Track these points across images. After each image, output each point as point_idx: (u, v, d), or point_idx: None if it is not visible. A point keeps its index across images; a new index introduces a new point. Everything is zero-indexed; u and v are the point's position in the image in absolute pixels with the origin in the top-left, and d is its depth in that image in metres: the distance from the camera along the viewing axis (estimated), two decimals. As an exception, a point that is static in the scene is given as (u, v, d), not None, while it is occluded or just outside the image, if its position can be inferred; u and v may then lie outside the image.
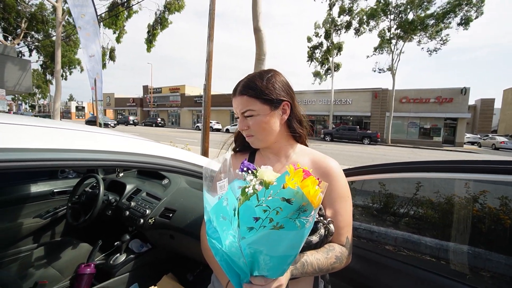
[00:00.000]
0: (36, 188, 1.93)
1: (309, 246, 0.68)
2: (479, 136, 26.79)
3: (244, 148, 0.90)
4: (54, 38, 13.51)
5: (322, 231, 0.69)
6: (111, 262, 1.56)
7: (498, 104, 35.12)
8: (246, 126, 0.78)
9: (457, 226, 1.04)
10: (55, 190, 2.00)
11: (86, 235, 1.95)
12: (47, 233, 1.94)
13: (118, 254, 1.61)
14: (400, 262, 0.98)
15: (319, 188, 0.51)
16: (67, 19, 14.12)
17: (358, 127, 21.91)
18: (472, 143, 25.98)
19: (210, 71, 5.88)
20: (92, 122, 21.32)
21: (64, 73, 20.00)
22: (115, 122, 29.11)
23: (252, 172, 0.58)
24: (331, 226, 0.71)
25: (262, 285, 0.56)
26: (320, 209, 0.74)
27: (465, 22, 17.73)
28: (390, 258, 1.02)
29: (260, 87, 0.76)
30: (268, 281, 0.56)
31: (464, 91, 20.82)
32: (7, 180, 1.87)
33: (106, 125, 21.72)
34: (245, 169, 0.59)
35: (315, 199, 0.49)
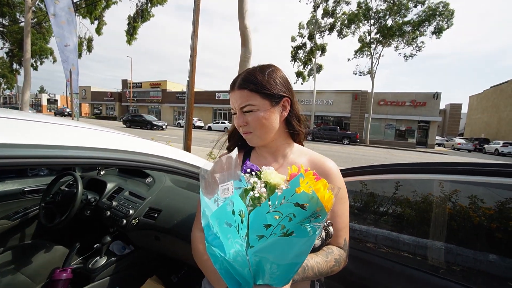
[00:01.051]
0: (3, 187, 1.76)
1: (312, 251, 0.66)
2: (445, 138, 29.66)
3: (238, 147, 0.86)
4: (22, 24, 12.47)
5: (323, 234, 0.68)
6: (90, 265, 1.46)
7: (465, 109, 37.91)
8: (244, 122, 0.73)
9: (432, 223, 1.09)
10: (25, 189, 1.83)
11: (62, 237, 1.81)
12: (15, 235, 1.78)
13: (98, 257, 1.50)
14: (382, 259, 1.01)
15: (330, 192, 0.49)
16: (38, 4, 13.10)
17: (338, 127, 22.58)
18: (439, 145, 28.68)
19: (194, 67, 5.74)
20: (61, 114, 19.74)
21: (34, 63, 18.55)
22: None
23: (256, 174, 0.55)
24: (331, 229, 0.71)
25: None
26: None
27: (438, 31, 18.96)
28: (373, 255, 1.05)
29: (261, 81, 0.72)
30: None
31: (436, 96, 22.17)
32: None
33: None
34: (248, 170, 0.55)
35: (328, 204, 0.47)
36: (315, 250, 0.68)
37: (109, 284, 1.46)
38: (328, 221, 0.72)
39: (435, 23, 18.87)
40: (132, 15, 13.11)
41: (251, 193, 0.50)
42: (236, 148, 0.65)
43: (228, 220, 0.49)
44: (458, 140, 27.23)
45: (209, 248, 0.53)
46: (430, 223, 1.15)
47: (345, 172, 1.13)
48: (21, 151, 0.60)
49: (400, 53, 21.49)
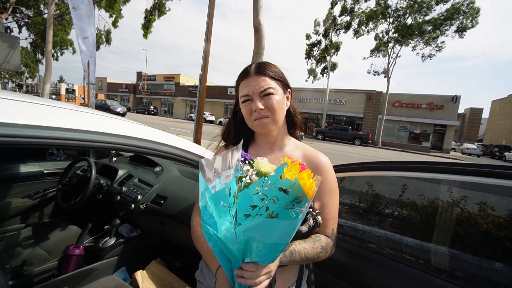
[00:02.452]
0: (26, 168, 1.91)
1: (298, 236, 0.71)
2: (458, 143, 29.04)
3: (237, 142, 0.90)
4: (46, 16, 12.96)
5: (310, 222, 0.73)
6: (100, 245, 1.58)
7: (486, 114, 36.26)
8: (263, 106, 0.75)
9: (436, 225, 1.11)
10: (44, 171, 1.98)
11: (75, 218, 1.95)
12: (35, 213, 1.93)
13: (108, 238, 1.62)
14: (382, 257, 1.04)
15: (314, 181, 0.54)
16: (61, -4, 13.58)
17: (350, 127, 22.19)
18: (453, 149, 28.05)
19: (207, 62, 5.82)
20: (101, 107, 20.05)
21: (55, 53, 19.28)
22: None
23: (249, 163, 0.61)
24: (319, 218, 0.75)
25: (253, 271, 0.59)
26: None
27: (462, 30, 18.07)
28: (373, 252, 1.08)
29: (276, 70, 0.79)
30: (259, 267, 0.59)
31: (455, 99, 21.34)
32: (-5, 159, 1.84)
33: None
34: (242, 159, 0.61)
35: (310, 191, 0.52)
36: (303, 236, 0.73)
37: (117, 263, 1.57)
38: (317, 211, 0.76)
39: (458, 22, 18.02)
40: (148, 9, 13.37)
41: (244, 179, 0.56)
42: (242, 141, 0.70)
43: (224, 201, 0.56)
44: (466, 145, 26.89)
45: (204, 227, 0.60)
46: (417, 220, 1.18)
47: (338, 168, 1.17)
48: (47, 133, 0.67)
49: (418, 53, 20.69)
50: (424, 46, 19.80)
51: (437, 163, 0.93)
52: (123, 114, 22.22)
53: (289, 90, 0.83)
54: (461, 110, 30.48)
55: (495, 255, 0.95)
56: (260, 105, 0.75)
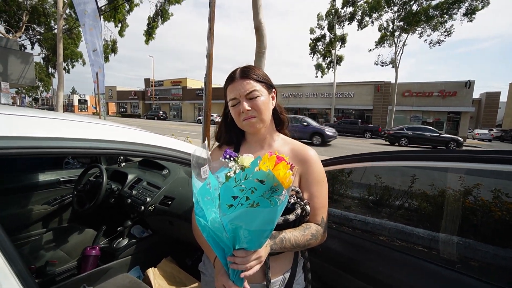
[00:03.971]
0: (44, 177, 2.05)
1: (287, 224, 0.77)
2: (469, 130, 27.82)
3: (229, 142, 0.96)
4: (56, 31, 13.52)
5: (298, 211, 0.78)
6: (114, 245, 1.68)
7: (504, 98, 34.65)
8: (250, 107, 0.80)
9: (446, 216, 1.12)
10: (61, 179, 2.11)
11: (91, 221, 2.07)
12: (55, 219, 2.07)
13: (121, 239, 1.72)
14: (379, 246, 1.08)
15: (290, 172, 0.59)
16: (68, 11, 14.09)
17: (360, 120, 21.83)
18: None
19: (210, 64, 5.90)
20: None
21: (66, 66, 20.02)
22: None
23: (234, 159, 0.67)
24: (307, 207, 0.80)
25: (243, 256, 0.65)
26: (297, 192, 0.82)
27: (471, 13, 17.29)
28: (370, 242, 1.12)
29: (260, 73, 0.85)
30: (249, 253, 0.65)
31: (469, 85, 20.58)
32: (17, 169, 1.98)
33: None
34: (227, 156, 0.67)
35: (285, 181, 0.58)
36: (294, 225, 0.79)
37: (131, 262, 1.67)
38: (305, 201, 0.81)
39: (467, 4, 17.22)
40: (151, 15, 13.64)
41: (228, 173, 0.62)
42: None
43: (208, 195, 0.63)
44: (477, 131, 25.89)
45: (197, 220, 0.67)
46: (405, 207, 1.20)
47: (327, 162, 1.21)
48: (60, 143, 0.77)
49: (425, 40, 20.01)
50: (432, 32, 19.13)
51: (425, 151, 0.96)
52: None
53: (273, 90, 0.88)
54: (476, 95, 29.34)
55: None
56: (247, 106, 0.80)
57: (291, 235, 0.75)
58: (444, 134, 15.37)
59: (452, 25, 18.32)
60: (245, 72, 0.82)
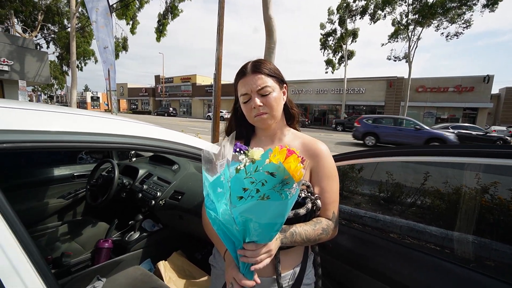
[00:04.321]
0: (59, 171, 2.11)
1: (298, 218, 0.75)
2: (486, 126, 26.56)
3: (239, 136, 0.94)
4: (69, 29, 13.85)
5: (309, 205, 0.76)
6: (126, 239, 1.72)
7: (524, 93, 33.06)
8: (262, 103, 0.79)
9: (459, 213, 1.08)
10: (75, 174, 2.17)
11: (104, 215, 2.13)
12: (69, 212, 2.14)
13: (132, 232, 1.76)
14: (388, 242, 1.05)
15: (301, 165, 0.58)
16: (81, 10, 14.38)
17: (371, 117, 21.39)
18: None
19: (220, 60, 5.90)
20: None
21: (79, 64, 20.53)
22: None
23: (244, 152, 0.66)
24: (318, 202, 0.79)
25: (253, 249, 0.64)
26: (308, 186, 0.81)
27: (493, 3, 16.31)
28: (380, 238, 1.09)
29: (272, 68, 0.83)
30: (259, 246, 0.64)
31: (487, 79, 19.73)
32: (33, 164, 2.05)
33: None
34: (237, 149, 0.66)
35: (296, 174, 0.56)
36: (304, 219, 0.77)
37: (142, 255, 1.70)
38: (316, 195, 0.80)
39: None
40: (161, 12, 13.73)
41: (238, 165, 0.61)
42: (234, 134, 0.75)
43: (220, 187, 0.62)
44: (493, 127, 24.86)
45: (208, 213, 0.66)
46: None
47: (338, 157, 1.18)
48: (74, 137, 0.78)
49: (442, 33, 19.22)
50: (449, 24, 18.33)
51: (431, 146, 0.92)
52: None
53: (285, 85, 0.87)
54: (495, 90, 28.08)
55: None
56: (259, 102, 0.79)
57: (302, 229, 0.74)
58: (491, 133, 13.91)
59: (471, 15, 17.42)
60: (257, 67, 0.80)
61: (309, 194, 0.79)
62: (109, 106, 7.60)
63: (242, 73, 0.82)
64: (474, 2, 16.76)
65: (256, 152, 0.63)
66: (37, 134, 0.70)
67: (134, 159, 2.29)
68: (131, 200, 1.97)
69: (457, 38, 18.67)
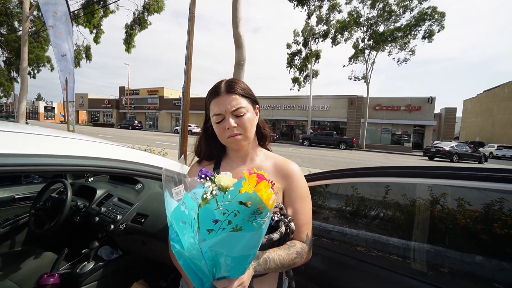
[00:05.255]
0: (-5, 194, 1.81)
1: (271, 243, 0.72)
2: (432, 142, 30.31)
3: (210, 157, 0.91)
4: (20, 33, 12.59)
5: (282, 229, 0.74)
6: (77, 270, 1.49)
7: (460, 113, 38.34)
8: (236, 124, 0.77)
9: (418, 226, 1.15)
10: (16, 197, 1.87)
11: (51, 244, 1.85)
12: (5, 242, 1.81)
13: (86, 262, 1.54)
14: (363, 262, 1.06)
15: (272, 191, 0.56)
16: (36, 13, 13.26)
17: (335, 132, 22.76)
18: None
19: (189, 73, 5.83)
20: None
21: (31, 71, 18.64)
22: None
23: (210, 179, 0.61)
24: (292, 225, 0.77)
25: (226, 286, 0.58)
26: (281, 208, 0.79)
27: (429, 35, 19.45)
28: (354, 259, 1.10)
29: (245, 88, 0.81)
30: (232, 281, 0.59)
31: (431, 100, 22.48)
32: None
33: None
34: (203, 176, 0.62)
35: (268, 202, 0.54)
36: (278, 243, 0.74)
37: (97, 288, 1.49)
38: (289, 217, 0.78)
39: (425, 27, 19.31)
40: (129, 23, 13.32)
41: (205, 195, 0.56)
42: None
43: (183, 218, 0.56)
44: (435, 143, 28.80)
45: (172, 246, 0.59)
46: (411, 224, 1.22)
47: (310, 177, 1.20)
48: (18, 160, 0.67)
49: (394, 58, 21.97)
50: (399, 51, 20.96)
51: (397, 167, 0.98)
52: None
53: (257, 106, 0.86)
54: (437, 110, 32.00)
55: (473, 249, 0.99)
56: (233, 123, 0.77)
57: (276, 254, 0.71)
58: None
59: (416, 45, 20.37)
60: (231, 87, 0.79)
61: (282, 216, 0.77)
62: (66, 117, 6.93)
63: (215, 93, 0.79)
64: (415, 33, 19.60)
65: (224, 177, 0.60)
66: None
67: (91, 178, 2.07)
68: (86, 226, 1.75)
69: (405, 63, 21.32)
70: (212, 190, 0.56)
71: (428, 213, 1.09)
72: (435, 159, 16.60)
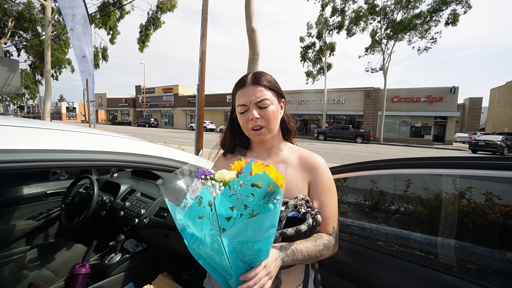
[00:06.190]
0: (29, 190, 1.92)
1: (299, 235, 0.72)
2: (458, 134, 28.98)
3: (234, 149, 0.91)
4: (43, 37, 13.22)
5: (310, 220, 0.73)
6: (106, 262, 1.57)
7: (486, 103, 36.07)
8: (259, 115, 0.77)
9: (445, 221, 1.10)
10: (48, 192, 1.99)
11: (81, 236, 1.95)
12: (40, 234, 1.93)
13: (113, 254, 1.61)
14: (388, 255, 1.03)
15: (279, 173, 0.56)
16: (57, 18, 13.84)
17: (351, 126, 22.15)
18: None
19: (203, 71, 5.87)
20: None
21: (54, 73, 19.56)
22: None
23: (211, 177, 0.61)
24: (318, 217, 0.76)
25: (254, 276, 0.57)
26: (307, 201, 0.78)
27: (453, 20, 17.99)
28: (379, 252, 1.07)
29: (272, 80, 0.81)
30: (257, 268, 0.58)
31: (453, 90, 21.31)
32: (-1, 182, 1.85)
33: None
34: (202, 176, 0.61)
35: (279, 181, 0.54)
36: (305, 235, 0.74)
37: (124, 279, 1.56)
38: (316, 210, 0.77)
39: (449, 11, 17.88)
40: (144, 23, 13.58)
41: (210, 191, 0.56)
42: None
43: (200, 214, 0.55)
44: (458, 134, 27.31)
45: (191, 248, 0.60)
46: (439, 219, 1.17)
47: (336, 170, 1.17)
48: (46, 155, 0.70)
49: (413, 47, 20.71)
50: (419, 39, 19.82)
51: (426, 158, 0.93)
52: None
53: (283, 99, 0.86)
54: (460, 100, 30.36)
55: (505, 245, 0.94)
56: (256, 114, 0.77)
57: (303, 246, 0.71)
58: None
59: (439, 31, 18.98)
60: (257, 78, 0.79)
61: (309, 209, 0.76)
62: (87, 117, 7.24)
63: (241, 83, 0.81)
64: (438, 19, 18.34)
65: (223, 173, 0.60)
66: (4, 154, 0.61)
67: (116, 174, 2.15)
68: (112, 219, 1.83)
69: (426, 52, 20.16)
70: (220, 187, 0.57)
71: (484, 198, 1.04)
72: (478, 152, 15.27)
